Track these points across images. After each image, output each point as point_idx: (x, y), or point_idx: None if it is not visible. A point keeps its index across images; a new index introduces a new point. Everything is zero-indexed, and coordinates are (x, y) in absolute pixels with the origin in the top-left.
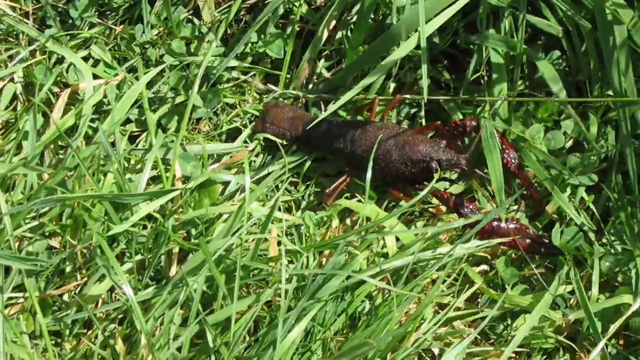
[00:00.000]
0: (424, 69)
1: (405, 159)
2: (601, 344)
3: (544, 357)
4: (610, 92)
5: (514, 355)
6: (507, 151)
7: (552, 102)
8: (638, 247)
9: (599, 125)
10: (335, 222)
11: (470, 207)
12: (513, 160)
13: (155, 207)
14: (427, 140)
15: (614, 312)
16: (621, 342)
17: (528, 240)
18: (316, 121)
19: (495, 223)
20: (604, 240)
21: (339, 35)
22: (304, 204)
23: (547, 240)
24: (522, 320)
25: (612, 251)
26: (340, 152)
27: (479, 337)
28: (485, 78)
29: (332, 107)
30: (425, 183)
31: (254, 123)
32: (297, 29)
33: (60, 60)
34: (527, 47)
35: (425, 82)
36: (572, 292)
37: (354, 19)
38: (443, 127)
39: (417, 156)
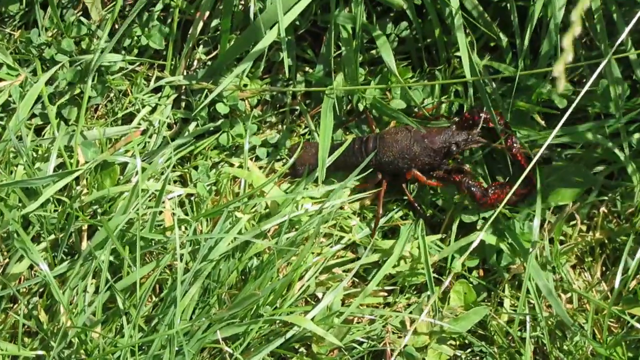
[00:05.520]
0: (285, 56)
1: (427, 151)
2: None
3: (416, 293)
4: (457, 54)
5: (386, 293)
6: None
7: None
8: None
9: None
10: (226, 188)
11: (477, 185)
12: (515, 145)
13: (61, 185)
14: (441, 129)
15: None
16: (481, 273)
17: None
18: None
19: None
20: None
21: (214, 22)
22: (195, 176)
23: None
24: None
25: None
26: (368, 166)
27: (357, 280)
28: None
29: (214, 93)
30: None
31: (288, 168)
32: (177, 19)
33: None
34: (366, 22)
35: (286, 62)
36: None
37: None
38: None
39: (437, 145)
